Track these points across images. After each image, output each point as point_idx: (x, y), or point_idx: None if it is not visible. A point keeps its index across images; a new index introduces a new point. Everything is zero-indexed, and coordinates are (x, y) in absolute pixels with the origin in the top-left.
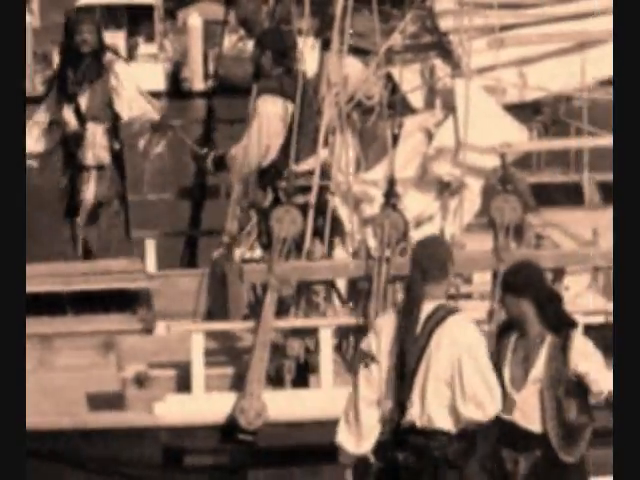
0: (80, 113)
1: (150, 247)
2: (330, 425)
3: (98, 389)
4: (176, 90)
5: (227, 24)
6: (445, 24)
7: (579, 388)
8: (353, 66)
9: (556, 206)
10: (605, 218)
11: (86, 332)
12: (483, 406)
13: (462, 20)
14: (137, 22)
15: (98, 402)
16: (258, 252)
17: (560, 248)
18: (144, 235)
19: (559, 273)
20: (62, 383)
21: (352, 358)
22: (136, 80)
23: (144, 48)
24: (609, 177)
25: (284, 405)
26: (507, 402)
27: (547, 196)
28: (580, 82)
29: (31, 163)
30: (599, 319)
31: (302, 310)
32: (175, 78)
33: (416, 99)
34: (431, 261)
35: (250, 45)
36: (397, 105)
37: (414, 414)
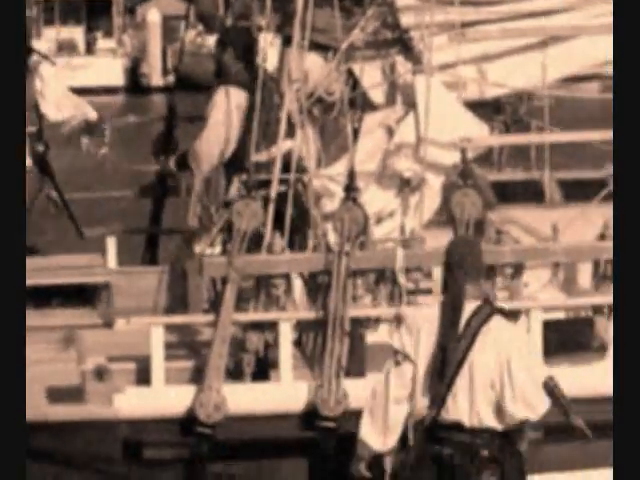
0: None
1: (111, 244)
2: (289, 419)
3: (58, 383)
4: (134, 85)
5: (187, 20)
6: (406, 20)
7: None
8: (314, 62)
9: (517, 203)
10: (565, 216)
11: (46, 327)
12: (532, 405)
13: (423, 16)
14: (96, 17)
15: (58, 395)
16: (218, 249)
17: (520, 243)
18: (103, 233)
19: (519, 268)
20: None
21: (312, 352)
22: (64, 82)
23: (102, 43)
24: (570, 175)
25: (243, 398)
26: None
27: (508, 194)
28: (541, 80)
29: None
30: (559, 315)
31: (262, 304)
32: (133, 73)
33: (377, 95)
34: (471, 261)
35: (209, 41)
36: (358, 101)
37: (461, 412)
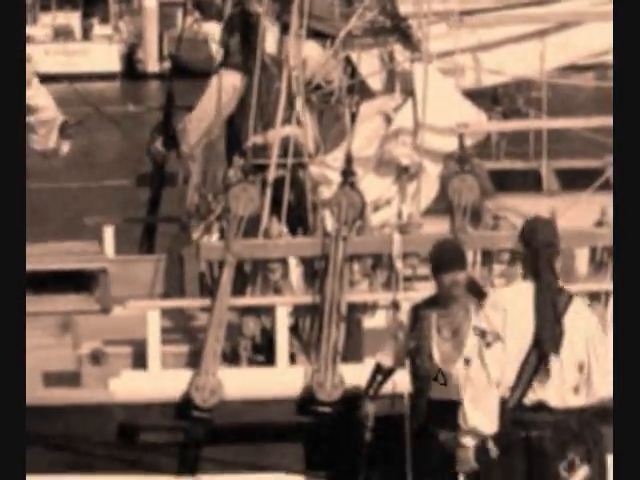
0: None
1: (108, 233)
2: (286, 403)
3: (54, 368)
4: (131, 72)
5: (185, 6)
6: (405, 8)
7: None
8: (312, 49)
9: (515, 192)
10: (563, 204)
11: (43, 312)
12: (611, 382)
13: (422, 5)
14: (92, 3)
15: (54, 380)
16: (216, 237)
17: (517, 229)
18: (101, 222)
19: (516, 254)
20: None
21: (308, 337)
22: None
23: (99, 29)
24: (567, 164)
25: (239, 383)
26: (438, 380)
27: (506, 183)
28: (539, 68)
29: None
30: None
31: (258, 288)
32: (130, 60)
33: (375, 83)
34: (553, 242)
35: (205, 27)
36: (356, 89)
37: (548, 393)
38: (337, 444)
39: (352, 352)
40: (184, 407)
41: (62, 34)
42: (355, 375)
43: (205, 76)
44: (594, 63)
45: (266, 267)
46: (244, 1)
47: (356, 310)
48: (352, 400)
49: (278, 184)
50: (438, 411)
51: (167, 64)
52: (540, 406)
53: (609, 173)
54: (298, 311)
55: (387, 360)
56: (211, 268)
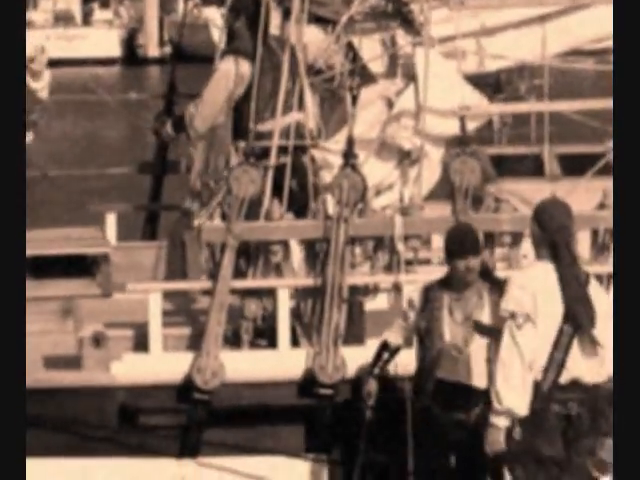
0: None
1: (110, 220)
2: (287, 386)
3: (55, 352)
4: (131, 57)
5: None
6: None
7: None
8: (314, 35)
9: (517, 176)
10: (564, 188)
11: (44, 297)
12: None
13: None
14: None
15: (55, 363)
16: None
17: (519, 212)
18: (103, 209)
19: (517, 237)
20: None
21: (309, 321)
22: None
23: (99, 14)
24: (569, 149)
25: (241, 365)
26: (449, 363)
27: (508, 168)
28: (540, 54)
29: None
30: None
31: (260, 271)
32: (130, 45)
33: (377, 69)
34: (569, 224)
35: (205, 12)
36: (357, 73)
37: (581, 370)
38: (338, 427)
39: (353, 335)
40: (185, 389)
41: (62, 19)
42: (356, 358)
43: (206, 61)
44: (597, 49)
45: (267, 249)
46: None
47: (357, 292)
48: (353, 382)
49: (280, 168)
50: (444, 393)
51: (167, 49)
52: (574, 383)
53: (609, 157)
54: (299, 294)
55: (395, 338)
56: (213, 252)
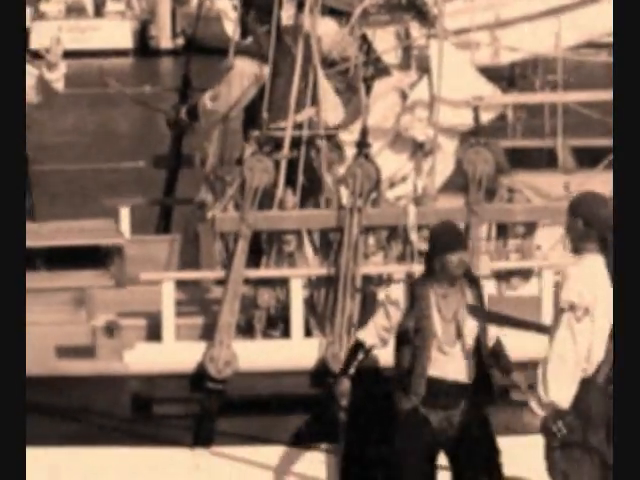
0: None
1: (124, 214)
2: (300, 375)
3: (69, 342)
4: (143, 48)
5: None
6: None
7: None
8: (328, 27)
9: (531, 169)
10: (577, 180)
11: (57, 287)
12: None
13: None
14: None
15: (68, 353)
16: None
17: (532, 203)
18: (118, 203)
19: (531, 228)
20: (32, 336)
21: (322, 311)
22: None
23: (111, 5)
24: (583, 142)
25: (254, 355)
26: (439, 361)
27: (522, 161)
28: (555, 46)
29: None
30: None
31: (273, 260)
32: (142, 36)
33: (391, 61)
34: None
35: (217, 4)
36: (370, 65)
37: None
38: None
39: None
40: (198, 379)
41: (74, 10)
42: None
43: (218, 53)
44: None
45: (281, 239)
46: None
47: (371, 282)
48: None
49: (291, 160)
50: (432, 391)
51: (180, 41)
52: None
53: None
54: (313, 283)
55: (369, 337)
56: (227, 244)
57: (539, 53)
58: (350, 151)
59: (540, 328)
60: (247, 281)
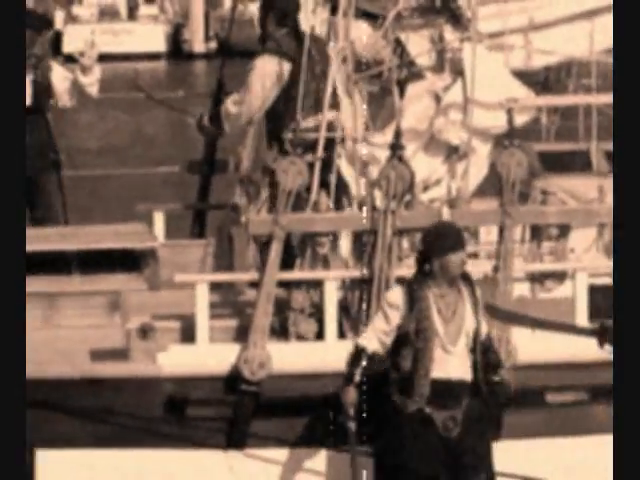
0: None
1: (158, 219)
2: (334, 377)
3: (103, 346)
4: (176, 52)
5: None
6: None
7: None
8: (362, 30)
9: (564, 172)
10: (611, 183)
11: (91, 291)
12: None
13: None
14: None
15: (102, 356)
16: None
17: (566, 205)
18: (152, 209)
19: (564, 230)
20: (67, 340)
21: (356, 313)
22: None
23: (144, 9)
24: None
25: (288, 357)
26: (442, 361)
27: (556, 164)
28: (588, 49)
29: None
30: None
31: (307, 262)
32: (175, 39)
33: (425, 64)
34: None
35: (250, 8)
36: (405, 68)
37: None
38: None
39: None
40: (232, 381)
41: (108, 14)
42: None
43: (251, 56)
44: None
45: (315, 241)
46: None
47: None
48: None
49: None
50: (435, 391)
51: (213, 44)
52: None
53: None
54: (347, 285)
55: (370, 343)
56: (261, 247)
57: (573, 56)
58: (383, 153)
59: (559, 327)
60: (281, 283)
